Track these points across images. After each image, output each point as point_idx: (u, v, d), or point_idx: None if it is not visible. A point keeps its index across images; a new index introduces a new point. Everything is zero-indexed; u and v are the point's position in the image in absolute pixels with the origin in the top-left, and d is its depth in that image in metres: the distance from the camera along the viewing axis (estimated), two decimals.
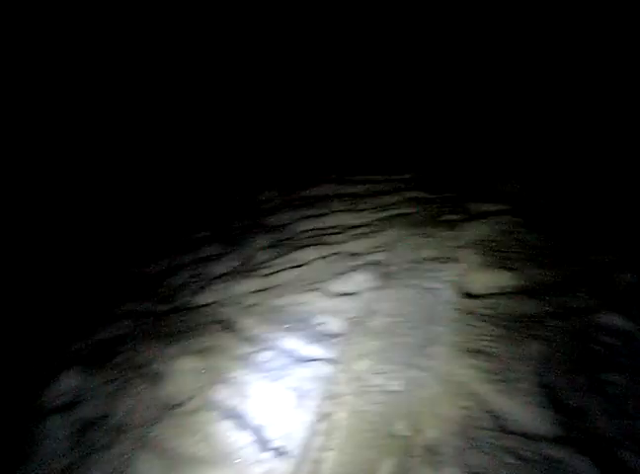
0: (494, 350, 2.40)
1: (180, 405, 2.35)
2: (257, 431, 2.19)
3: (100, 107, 7.17)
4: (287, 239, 3.66)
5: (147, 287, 3.45)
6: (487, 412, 2.12)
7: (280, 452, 2.11)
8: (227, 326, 2.84)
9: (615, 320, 2.46)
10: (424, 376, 2.38)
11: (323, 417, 2.23)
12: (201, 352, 2.62)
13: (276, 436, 2.17)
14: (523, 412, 2.08)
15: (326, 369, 2.48)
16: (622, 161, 4.00)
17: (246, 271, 3.36)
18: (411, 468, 1.93)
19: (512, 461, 1.87)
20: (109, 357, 2.76)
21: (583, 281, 2.76)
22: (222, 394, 2.37)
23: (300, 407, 2.24)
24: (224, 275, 3.36)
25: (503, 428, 2.03)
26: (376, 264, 3.22)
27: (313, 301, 2.96)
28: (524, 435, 1.97)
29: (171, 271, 3.63)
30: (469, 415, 2.11)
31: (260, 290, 3.11)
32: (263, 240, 3.69)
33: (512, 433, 2.00)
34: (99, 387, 2.56)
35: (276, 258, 3.42)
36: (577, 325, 2.47)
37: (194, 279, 3.42)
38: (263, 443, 2.15)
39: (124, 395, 2.44)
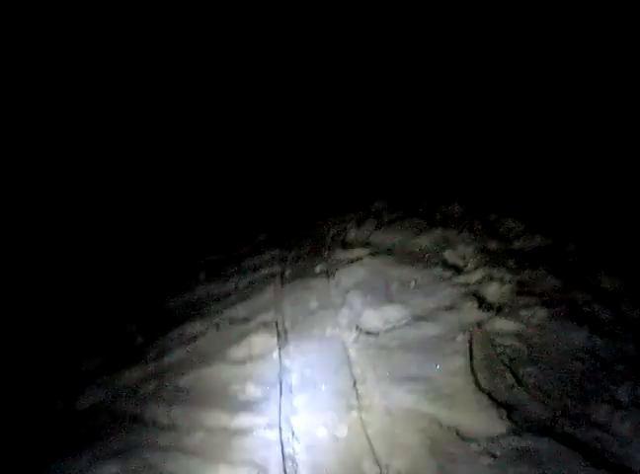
0: (422, 372, 2.58)
1: None
2: None
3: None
4: (164, 315, 3.47)
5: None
6: (443, 427, 2.25)
7: None
8: (135, 421, 2.57)
9: (507, 324, 2.82)
10: (367, 414, 2.43)
11: None
12: (120, 453, 2.33)
13: None
14: (473, 418, 2.26)
15: (267, 434, 2.40)
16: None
17: (126, 358, 3.09)
18: None
19: (490, 461, 2.02)
20: None
21: (462, 299, 3.11)
22: None
23: None
24: (101, 366, 3.05)
25: (464, 436, 2.19)
26: (269, 323, 3.22)
27: (220, 372, 2.84)
28: (487, 437, 2.15)
29: None
30: (429, 436, 2.22)
31: (155, 375, 2.88)
32: (131, 325, 3.44)
33: (474, 438, 2.16)
34: None
35: (157, 339, 3.21)
36: (476, 335, 2.78)
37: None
38: None
39: None
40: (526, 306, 2.97)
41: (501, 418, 2.26)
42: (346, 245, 4.24)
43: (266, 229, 4.71)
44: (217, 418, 2.56)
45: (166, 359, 3.04)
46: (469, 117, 6.74)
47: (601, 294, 2.95)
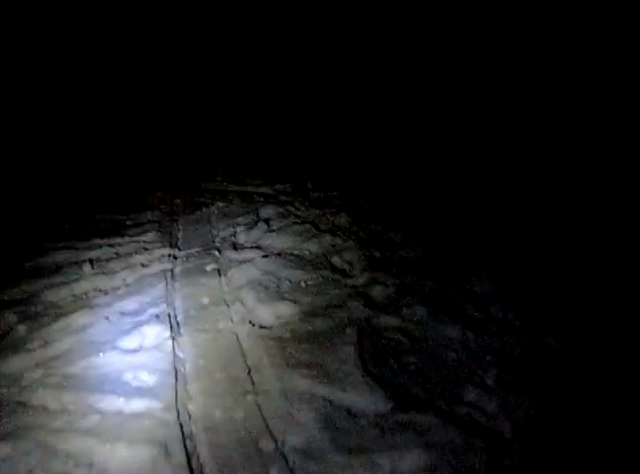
0: (315, 360, 2.80)
1: None
2: None
3: None
4: (43, 310, 3.38)
5: None
6: (336, 407, 2.49)
7: None
8: (22, 406, 2.52)
9: (390, 320, 3.14)
10: (263, 398, 2.60)
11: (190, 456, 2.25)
12: (10, 435, 2.29)
13: None
14: (362, 398, 2.52)
15: (165, 416, 2.48)
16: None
17: (7, 348, 2.99)
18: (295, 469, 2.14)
19: (378, 433, 2.28)
20: None
21: (350, 299, 3.39)
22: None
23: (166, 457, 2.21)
24: None
25: (354, 414, 2.44)
26: (160, 316, 3.28)
27: (113, 361, 2.86)
28: (375, 414, 2.41)
29: None
30: (322, 414, 2.44)
31: (40, 364, 2.83)
32: (10, 316, 3.31)
33: (364, 415, 2.42)
34: None
35: (39, 329, 3.14)
36: (367, 328, 3.06)
37: None
38: None
39: None
40: (408, 305, 3.29)
41: (387, 398, 2.53)
42: (236, 247, 4.36)
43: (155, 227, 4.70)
44: (112, 403, 2.58)
45: (52, 349, 2.97)
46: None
47: (473, 296, 3.36)
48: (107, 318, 3.24)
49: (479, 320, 3.17)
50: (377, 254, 4.09)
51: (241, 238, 4.55)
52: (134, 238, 4.43)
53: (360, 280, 3.73)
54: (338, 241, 4.33)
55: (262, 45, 9.69)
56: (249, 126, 8.64)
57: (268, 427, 2.45)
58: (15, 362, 2.87)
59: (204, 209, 5.29)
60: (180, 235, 4.73)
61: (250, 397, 2.65)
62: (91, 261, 3.97)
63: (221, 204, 5.41)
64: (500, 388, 2.60)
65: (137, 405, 2.57)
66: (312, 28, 9.43)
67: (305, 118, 8.60)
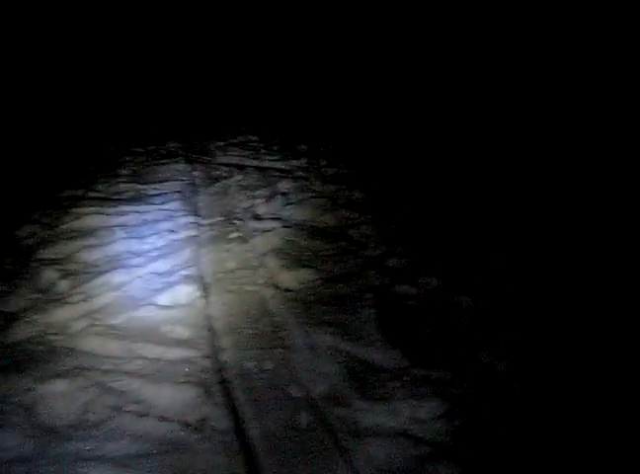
0: (337, 319, 3.06)
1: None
2: None
3: None
4: (81, 268, 3.62)
5: None
6: (359, 361, 2.74)
7: None
8: (71, 351, 2.78)
9: (406, 289, 3.38)
10: (289, 352, 2.85)
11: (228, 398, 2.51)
12: (65, 374, 2.54)
13: None
14: (382, 355, 2.77)
15: (203, 362, 2.73)
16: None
17: (50, 301, 3.23)
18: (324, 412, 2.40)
19: (399, 384, 2.53)
20: None
21: (367, 268, 3.64)
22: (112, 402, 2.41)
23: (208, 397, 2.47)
24: (26, 306, 3.17)
25: (376, 368, 2.69)
26: (190, 277, 3.52)
27: (151, 315, 3.11)
28: (395, 368, 2.67)
29: None
30: (346, 366, 2.70)
31: (84, 315, 3.08)
32: (51, 272, 3.55)
33: (385, 369, 2.67)
34: None
35: (78, 286, 3.38)
36: (381, 295, 3.31)
37: None
38: None
39: None
40: (422, 275, 3.54)
41: (405, 355, 2.77)
42: (257, 217, 4.60)
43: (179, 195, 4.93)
44: (153, 350, 2.82)
45: (94, 302, 3.21)
46: None
47: (487, 271, 3.60)
48: (141, 277, 3.47)
49: (490, 291, 3.40)
50: (393, 227, 4.32)
51: (261, 209, 4.79)
52: (159, 206, 4.65)
53: (377, 252, 3.97)
54: (354, 215, 4.57)
55: (278, 45, 9.87)
56: (265, 109, 8.88)
57: (296, 376, 2.70)
58: (60, 313, 3.11)
59: (223, 181, 5.51)
60: (202, 205, 4.96)
61: (278, 350, 2.91)
62: (122, 225, 4.19)
63: (239, 177, 5.62)
64: (510, 351, 2.84)
65: (176, 353, 2.82)
66: (324, 29, 9.59)
67: (322, 107, 8.80)
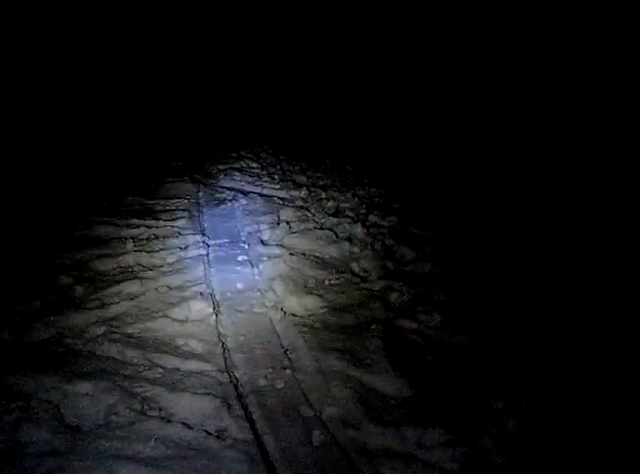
0: (346, 347, 3.23)
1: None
2: None
3: None
4: (95, 276, 3.74)
5: None
6: (367, 387, 2.92)
7: None
8: (91, 354, 2.90)
9: (409, 323, 3.58)
10: (300, 374, 3.01)
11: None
12: (89, 375, 2.66)
13: None
14: (389, 383, 2.95)
15: (219, 376, 2.88)
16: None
17: (70, 305, 3.35)
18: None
19: (406, 412, 2.70)
20: None
21: (371, 301, 3.83)
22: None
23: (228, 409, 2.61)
24: (42, 308, 3.28)
25: (384, 395, 2.86)
26: (201, 294, 3.67)
27: (165, 328, 3.24)
28: (401, 397, 2.84)
29: None
30: (356, 391, 2.86)
31: (100, 322, 3.20)
32: (66, 278, 3.67)
33: (393, 397, 2.85)
34: None
35: (94, 292, 3.51)
36: (386, 327, 3.50)
37: None
38: None
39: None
40: (424, 312, 3.74)
41: (412, 387, 2.95)
42: (263, 242, 4.78)
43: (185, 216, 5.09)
44: (169, 361, 2.95)
45: (110, 310, 3.33)
46: None
47: (484, 310, 3.82)
48: (156, 290, 3.60)
49: (490, 331, 3.61)
50: (391, 265, 4.53)
51: (265, 235, 4.96)
52: (168, 223, 4.81)
53: (377, 286, 4.16)
54: (355, 249, 4.76)
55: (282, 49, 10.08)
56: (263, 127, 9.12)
57: (307, 397, 2.84)
58: (77, 318, 3.23)
59: (229, 204, 5.68)
60: (207, 225, 5.11)
61: (289, 371, 3.05)
62: (132, 238, 4.32)
63: (244, 202, 5.80)
64: (506, 389, 3.04)
65: (192, 366, 2.96)
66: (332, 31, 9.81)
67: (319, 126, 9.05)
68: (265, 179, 6.80)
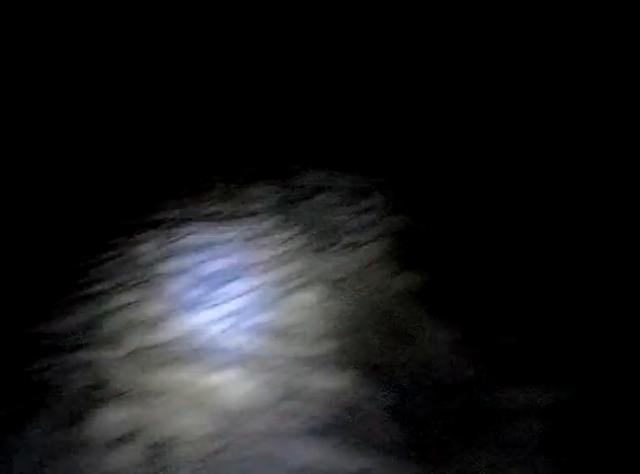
0: (459, 316, 3.27)
1: None
2: None
3: None
4: (202, 279, 3.95)
5: None
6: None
7: None
8: (221, 349, 3.08)
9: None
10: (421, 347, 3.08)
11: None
12: (227, 366, 2.83)
13: None
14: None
15: (339, 356, 2.98)
16: None
17: (183, 307, 3.55)
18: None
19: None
20: None
21: None
22: None
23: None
24: (161, 316, 3.49)
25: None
26: (306, 285, 3.82)
27: (279, 318, 3.43)
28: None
29: None
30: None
31: (219, 319, 3.39)
32: (173, 283, 3.88)
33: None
34: None
35: (205, 294, 3.71)
36: None
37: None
38: None
39: None
40: None
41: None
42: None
43: None
44: (293, 348, 3.08)
45: (224, 307, 3.53)
46: None
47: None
48: (262, 285, 3.79)
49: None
50: None
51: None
52: (252, 226, 4.98)
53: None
54: None
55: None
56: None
57: (430, 367, 2.91)
58: (196, 318, 3.46)
59: (310, 200, 5.81)
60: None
61: (409, 347, 3.13)
62: (228, 241, 4.54)
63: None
64: None
65: (315, 350, 3.09)
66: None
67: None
68: None
